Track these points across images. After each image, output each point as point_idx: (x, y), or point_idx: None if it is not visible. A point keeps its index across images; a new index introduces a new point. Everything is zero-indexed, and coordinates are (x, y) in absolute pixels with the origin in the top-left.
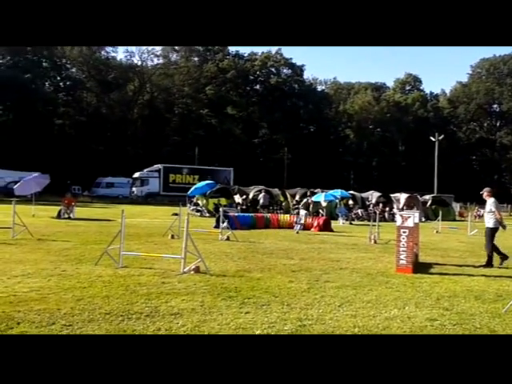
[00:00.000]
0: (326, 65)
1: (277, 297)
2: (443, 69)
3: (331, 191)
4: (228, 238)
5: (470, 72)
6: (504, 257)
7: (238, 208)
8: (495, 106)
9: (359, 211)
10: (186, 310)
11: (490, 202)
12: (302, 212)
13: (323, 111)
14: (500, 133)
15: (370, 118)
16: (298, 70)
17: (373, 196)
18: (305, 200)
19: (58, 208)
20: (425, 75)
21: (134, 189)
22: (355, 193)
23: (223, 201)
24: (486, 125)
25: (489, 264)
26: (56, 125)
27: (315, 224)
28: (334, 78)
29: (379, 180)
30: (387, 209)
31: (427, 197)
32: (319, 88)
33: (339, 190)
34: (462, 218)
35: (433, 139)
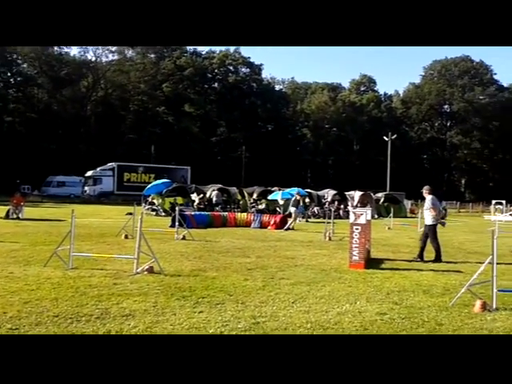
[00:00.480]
0: (283, 64)
1: (231, 295)
2: (397, 70)
3: (288, 189)
4: (184, 238)
5: (423, 73)
6: (420, 257)
7: (195, 207)
8: (446, 106)
9: (315, 209)
10: (138, 311)
11: (428, 199)
12: (292, 209)
13: (281, 110)
14: (450, 133)
15: (326, 118)
16: (256, 69)
17: (328, 194)
18: (293, 198)
19: (7, 208)
20: (379, 76)
21: (86, 188)
22: (312, 191)
23: (180, 200)
24: (436, 125)
25: (437, 259)
26: (6, 122)
27: (272, 222)
28: (292, 78)
29: (335, 178)
30: (342, 206)
31: (380, 194)
32: (277, 87)
33: (296, 188)
34: (413, 215)
35: (386, 139)
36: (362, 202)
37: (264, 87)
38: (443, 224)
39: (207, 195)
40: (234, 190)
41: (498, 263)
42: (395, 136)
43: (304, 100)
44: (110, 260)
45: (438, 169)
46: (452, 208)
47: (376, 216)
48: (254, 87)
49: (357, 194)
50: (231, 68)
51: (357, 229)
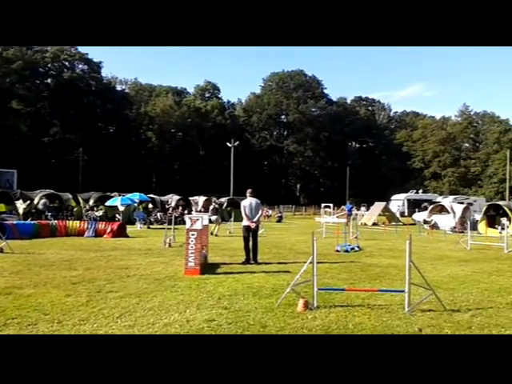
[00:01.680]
0: (125, 64)
1: (47, 314)
2: (240, 79)
3: (129, 195)
4: (1, 250)
5: (262, 84)
6: (246, 260)
7: (21, 215)
8: (283, 116)
9: (158, 215)
10: None
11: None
12: (213, 217)
13: (123, 112)
14: (287, 141)
15: (171, 122)
16: (94, 67)
17: (172, 199)
18: (211, 206)
19: None
20: (223, 84)
21: None
22: (155, 196)
23: (2, 207)
24: (275, 133)
25: (247, 260)
26: None
27: (108, 230)
28: (135, 79)
29: (181, 183)
30: (186, 212)
31: (223, 199)
32: (119, 87)
33: (137, 194)
34: None
35: (229, 145)
36: (206, 207)
37: (104, 86)
38: (253, 227)
39: (35, 202)
40: (67, 195)
41: (321, 262)
42: (238, 143)
43: (148, 102)
44: None
45: (277, 175)
46: (288, 211)
47: (220, 220)
48: (92, 85)
49: (201, 199)
50: (67, 64)
51: (193, 234)
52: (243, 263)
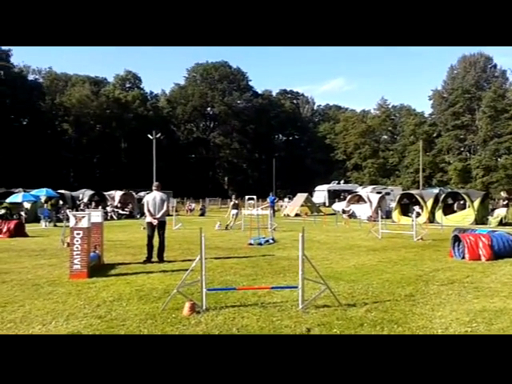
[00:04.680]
0: (40, 53)
1: None
2: (162, 69)
3: (36, 190)
4: None
5: (186, 75)
6: (148, 258)
7: None
8: (209, 108)
9: (68, 211)
10: None
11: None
12: (233, 211)
13: (36, 102)
14: (213, 133)
15: (89, 113)
16: (3, 55)
17: (85, 195)
18: (231, 202)
19: None
20: (145, 74)
21: None
22: (65, 191)
23: None
24: (201, 125)
25: (148, 259)
26: None
27: (5, 229)
28: (50, 68)
29: (102, 178)
30: (100, 207)
31: (143, 193)
32: (32, 77)
33: (44, 189)
34: (176, 213)
35: (150, 137)
36: (125, 202)
37: (15, 75)
38: (155, 224)
39: None
40: None
41: (229, 257)
42: (160, 135)
43: (64, 92)
44: None
45: (204, 167)
46: (215, 204)
47: (138, 216)
48: (1, 75)
49: (117, 194)
50: None
51: (78, 234)
52: (144, 262)
